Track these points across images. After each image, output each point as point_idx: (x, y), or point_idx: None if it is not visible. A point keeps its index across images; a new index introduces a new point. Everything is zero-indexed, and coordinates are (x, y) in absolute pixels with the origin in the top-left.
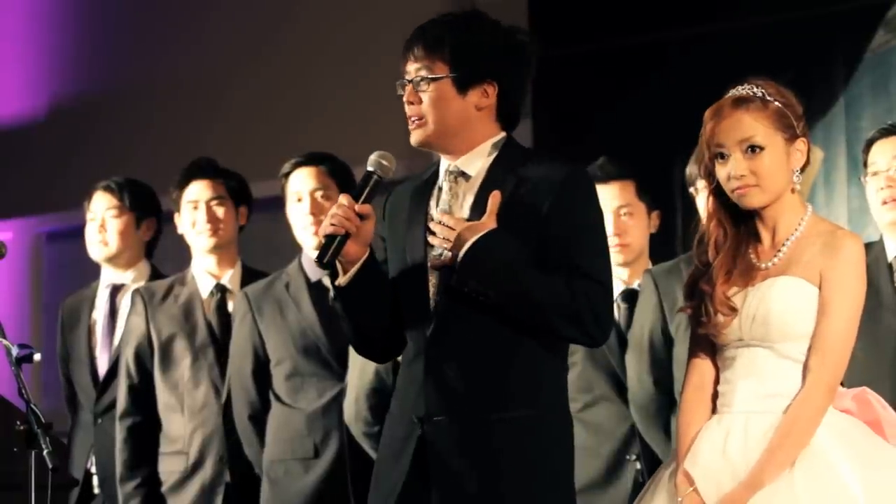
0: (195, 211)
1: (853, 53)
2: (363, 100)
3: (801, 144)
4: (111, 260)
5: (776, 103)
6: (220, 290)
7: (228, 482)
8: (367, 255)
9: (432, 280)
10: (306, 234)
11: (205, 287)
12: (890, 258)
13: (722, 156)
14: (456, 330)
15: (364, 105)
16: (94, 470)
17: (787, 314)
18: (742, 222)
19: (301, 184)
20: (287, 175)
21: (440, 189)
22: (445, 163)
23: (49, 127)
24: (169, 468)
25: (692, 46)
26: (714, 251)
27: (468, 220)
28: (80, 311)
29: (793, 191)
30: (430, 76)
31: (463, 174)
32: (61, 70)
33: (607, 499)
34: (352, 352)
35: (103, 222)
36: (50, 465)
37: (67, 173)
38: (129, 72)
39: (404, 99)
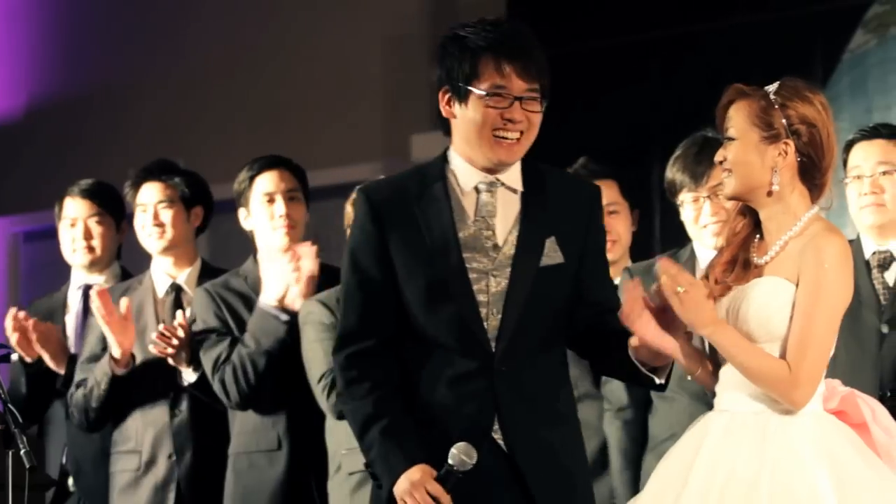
0: (144, 214)
1: (832, 54)
2: (342, 101)
3: (783, 146)
4: (93, 265)
5: (773, 105)
6: (175, 289)
7: (179, 480)
8: None
9: (487, 299)
10: (278, 234)
11: (161, 286)
12: (867, 256)
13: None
14: (521, 348)
15: (344, 106)
16: (69, 468)
17: (765, 313)
18: (757, 218)
19: (272, 185)
20: (253, 178)
21: (478, 198)
22: (474, 174)
23: (27, 127)
24: (122, 467)
25: (669, 49)
26: (728, 239)
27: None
28: (52, 314)
29: (819, 193)
30: (540, 99)
31: (503, 185)
32: (39, 71)
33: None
34: (307, 347)
35: (87, 229)
36: (27, 465)
37: (45, 173)
38: (107, 73)
39: (506, 112)
